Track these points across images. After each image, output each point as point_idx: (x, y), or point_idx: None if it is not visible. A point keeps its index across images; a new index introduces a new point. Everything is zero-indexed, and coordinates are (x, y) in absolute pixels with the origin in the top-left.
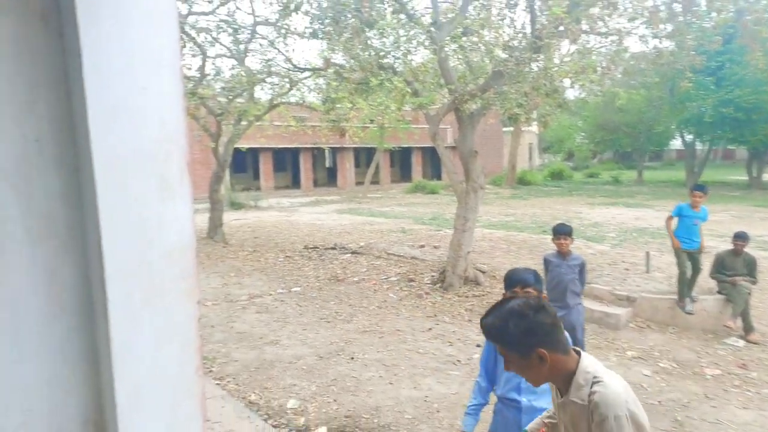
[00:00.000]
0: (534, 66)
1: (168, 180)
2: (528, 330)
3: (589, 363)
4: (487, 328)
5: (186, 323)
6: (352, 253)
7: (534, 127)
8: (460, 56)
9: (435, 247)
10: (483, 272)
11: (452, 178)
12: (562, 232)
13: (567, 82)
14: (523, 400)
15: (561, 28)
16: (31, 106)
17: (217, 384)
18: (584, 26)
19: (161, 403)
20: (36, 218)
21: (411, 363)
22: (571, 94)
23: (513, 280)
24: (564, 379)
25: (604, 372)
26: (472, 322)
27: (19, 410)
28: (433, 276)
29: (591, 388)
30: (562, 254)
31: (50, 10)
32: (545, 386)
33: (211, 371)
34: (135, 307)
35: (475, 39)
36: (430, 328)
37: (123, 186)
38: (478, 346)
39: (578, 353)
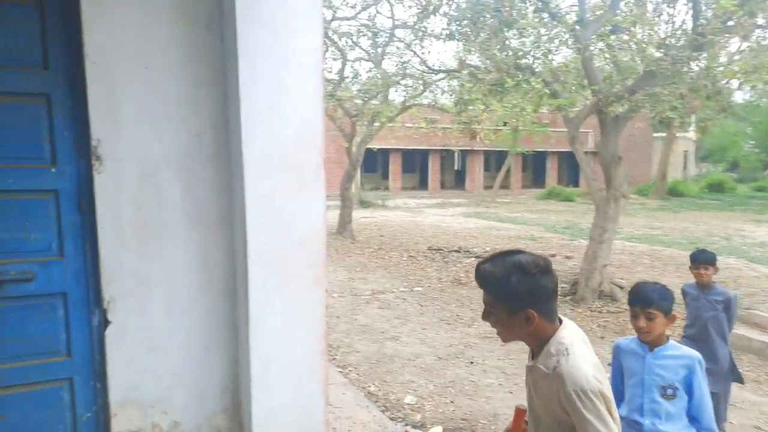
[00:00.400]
0: (693, 65)
1: (304, 175)
2: (529, 290)
3: (567, 334)
4: (484, 275)
5: (314, 309)
6: (477, 257)
7: (691, 133)
8: (607, 55)
9: (567, 257)
10: (621, 288)
11: (591, 185)
12: (701, 260)
13: (734, 83)
14: (646, 422)
15: (730, 23)
16: (195, 106)
17: (340, 372)
18: (759, 20)
19: (288, 379)
20: (194, 205)
21: None
22: (739, 96)
23: (634, 296)
24: (539, 344)
25: (578, 346)
26: (605, 340)
27: (170, 374)
28: (563, 287)
29: (558, 358)
30: (702, 286)
31: (214, 17)
32: (673, 409)
33: (334, 359)
34: (270, 291)
35: (625, 37)
36: None
37: (266, 179)
38: (609, 365)
39: (561, 321)
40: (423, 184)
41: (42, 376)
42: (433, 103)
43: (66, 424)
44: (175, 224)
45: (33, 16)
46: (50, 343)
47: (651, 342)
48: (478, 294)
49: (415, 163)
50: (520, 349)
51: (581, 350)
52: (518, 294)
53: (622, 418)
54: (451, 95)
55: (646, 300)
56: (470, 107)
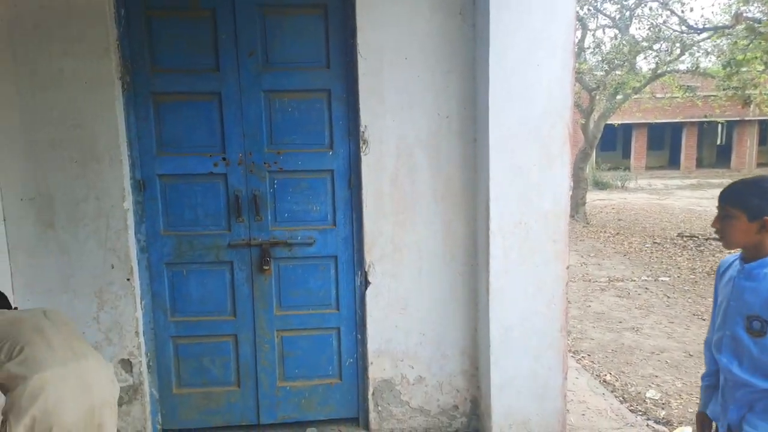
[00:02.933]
0: None
1: (549, 150)
2: None
3: None
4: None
5: (554, 283)
6: None
7: None
8: None
9: None
10: None
11: None
12: None
13: None
14: (723, 360)
15: None
16: (445, 90)
17: (572, 356)
18: None
19: (527, 349)
20: (440, 180)
21: None
22: None
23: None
24: (756, 254)
25: None
26: None
27: (417, 333)
28: None
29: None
30: None
31: (466, 5)
32: (760, 352)
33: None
34: (511, 262)
35: None
36: None
37: (510, 155)
38: None
39: None
40: (673, 163)
41: (318, 323)
42: (693, 68)
43: (333, 366)
44: (424, 197)
45: (320, 23)
46: (325, 297)
47: (746, 257)
48: None
49: (664, 138)
50: None
51: None
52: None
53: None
54: (717, 57)
55: (722, 195)
56: (744, 69)
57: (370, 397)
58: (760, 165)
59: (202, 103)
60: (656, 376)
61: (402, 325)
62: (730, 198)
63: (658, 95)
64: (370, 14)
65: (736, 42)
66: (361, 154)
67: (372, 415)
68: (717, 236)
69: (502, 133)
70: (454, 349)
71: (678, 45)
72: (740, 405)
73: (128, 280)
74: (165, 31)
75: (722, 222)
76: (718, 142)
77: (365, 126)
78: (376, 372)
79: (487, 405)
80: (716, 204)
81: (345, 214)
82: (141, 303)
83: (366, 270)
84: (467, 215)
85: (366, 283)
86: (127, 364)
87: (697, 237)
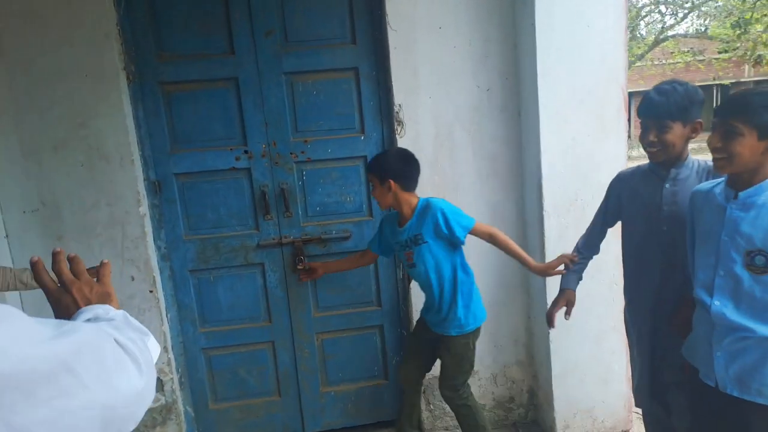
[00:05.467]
0: None
1: (604, 119)
2: None
3: None
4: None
5: (614, 263)
6: None
7: None
8: None
9: None
10: None
11: None
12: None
13: None
14: (716, 303)
15: None
16: (484, 60)
17: None
18: None
19: (588, 333)
20: (483, 159)
21: None
22: None
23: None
24: (750, 179)
25: None
26: None
27: None
28: None
29: None
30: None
31: None
32: (762, 291)
33: None
34: (567, 242)
35: None
36: None
37: (562, 126)
38: None
39: None
40: None
41: (360, 322)
42: (701, 30)
43: (379, 366)
44: (468, 180)
45: None
46: (365, 294)
47: (738, 183)
48: None
49: None
50: None
51: None
52: None
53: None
54: (725, 17)
55: (726, 108)
56: (756, 28)
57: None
58: None
59: (217, 90)
60: None
61: None
62: (738, 111)
63: (656, 63)
64: None
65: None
66: (396, 136)
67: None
68: (717, 156)
69: (553, 102)
70: (507, 339)
71: (686, 7)
72: (729, 354)
73: (151, 291)
74: (171, 12)
75: (725, 139)
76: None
77: (399, 105)
78: None
79: (547, 395)
80: (715, 119)
81: None
82: (167, 316)
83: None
84: (515, 195)
85: (409, 277)
86: (157, 383)
87: None
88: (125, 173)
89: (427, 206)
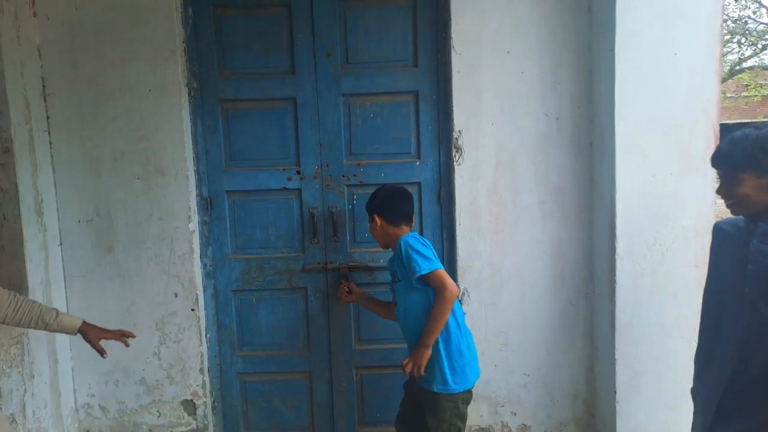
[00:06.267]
0: None
1: (691, 152)
2: None
3: None
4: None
5: (694, 316)
6: None
7: None
8: None
9: None
10: None
11: None
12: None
13: None
14: None
15: None
16: (555, 86)
17: None
18: None
19: (661, 397)
20: (548, 192)
21: None
22: None
23: None
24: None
25: None
26: None
27: (520, 374)
28: None
29: None
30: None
31: None
32: None
33: None
34: (642, 291)
35: None
36: None
37: (641, 160)
38: None
39: None
40: None
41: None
42: None
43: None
44: (529, 214)
45: (407, 16)
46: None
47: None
48: None
49: None
50: None
51: None
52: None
53: None
54: None
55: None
56: None
57: None
58: None
59: (274, 110)
60: None
61: (502, 363)
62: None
63: (729, 95)
64: (465, 2)
65: None
66: (454, 163)
67: None
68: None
69: (631, 134)
70: (565, 394)
71: (766, 38)
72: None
73: (193, 310)
74: (235, 31)
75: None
76: None
77: (459, 131)
78: (471, 419)
79: None
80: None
81: (434, 233)
82: (206, 336)
83: (459, 298)
84: (582, 234)
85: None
86: (190, 406)
87: None
88: (179, 188)
89: (398, 240)
